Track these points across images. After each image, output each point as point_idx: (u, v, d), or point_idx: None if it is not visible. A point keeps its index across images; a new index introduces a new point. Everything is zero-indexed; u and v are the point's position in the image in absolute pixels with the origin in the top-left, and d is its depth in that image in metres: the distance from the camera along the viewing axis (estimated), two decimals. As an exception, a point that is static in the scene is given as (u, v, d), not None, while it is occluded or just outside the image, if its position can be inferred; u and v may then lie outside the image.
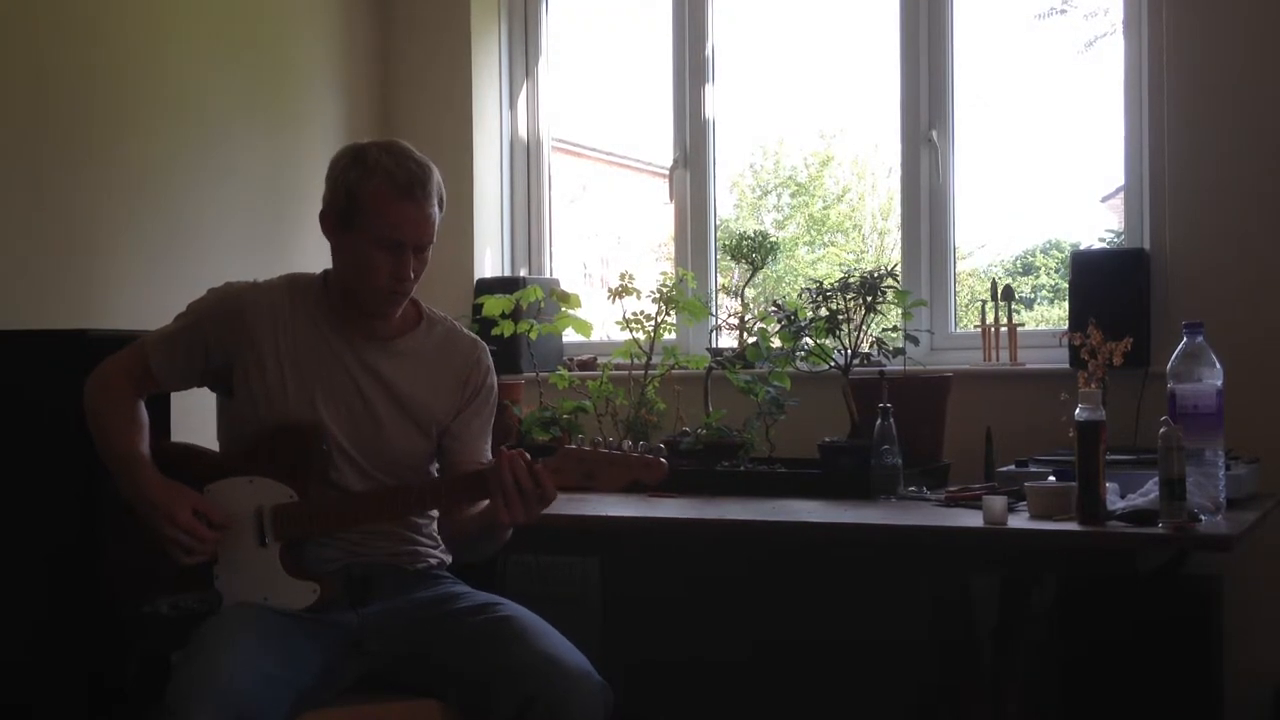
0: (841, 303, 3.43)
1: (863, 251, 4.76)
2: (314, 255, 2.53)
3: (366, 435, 2.50)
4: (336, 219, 2.46)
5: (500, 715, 2.29)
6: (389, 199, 2.40)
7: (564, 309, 3.77)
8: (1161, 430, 2.51)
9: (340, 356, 2.51)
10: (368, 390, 2.51)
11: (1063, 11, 3.93)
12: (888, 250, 4.57)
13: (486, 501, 2.43)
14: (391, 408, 2.52)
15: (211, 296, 2.56)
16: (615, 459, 2.38)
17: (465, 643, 2.40)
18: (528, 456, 2.35)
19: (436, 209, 2.46)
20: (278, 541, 2.43)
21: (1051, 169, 4.00)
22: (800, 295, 3.56)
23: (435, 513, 2.57)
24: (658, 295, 3.61)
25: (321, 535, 2.46)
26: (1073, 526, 2.56)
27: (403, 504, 2.46)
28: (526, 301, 3.79)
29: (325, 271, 2.56)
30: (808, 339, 3.48)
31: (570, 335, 3.92)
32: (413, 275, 2.46)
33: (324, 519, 2.44)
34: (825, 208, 4.88)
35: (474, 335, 2.68)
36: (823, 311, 3.44)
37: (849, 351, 3.42)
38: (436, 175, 2.47)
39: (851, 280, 3.44)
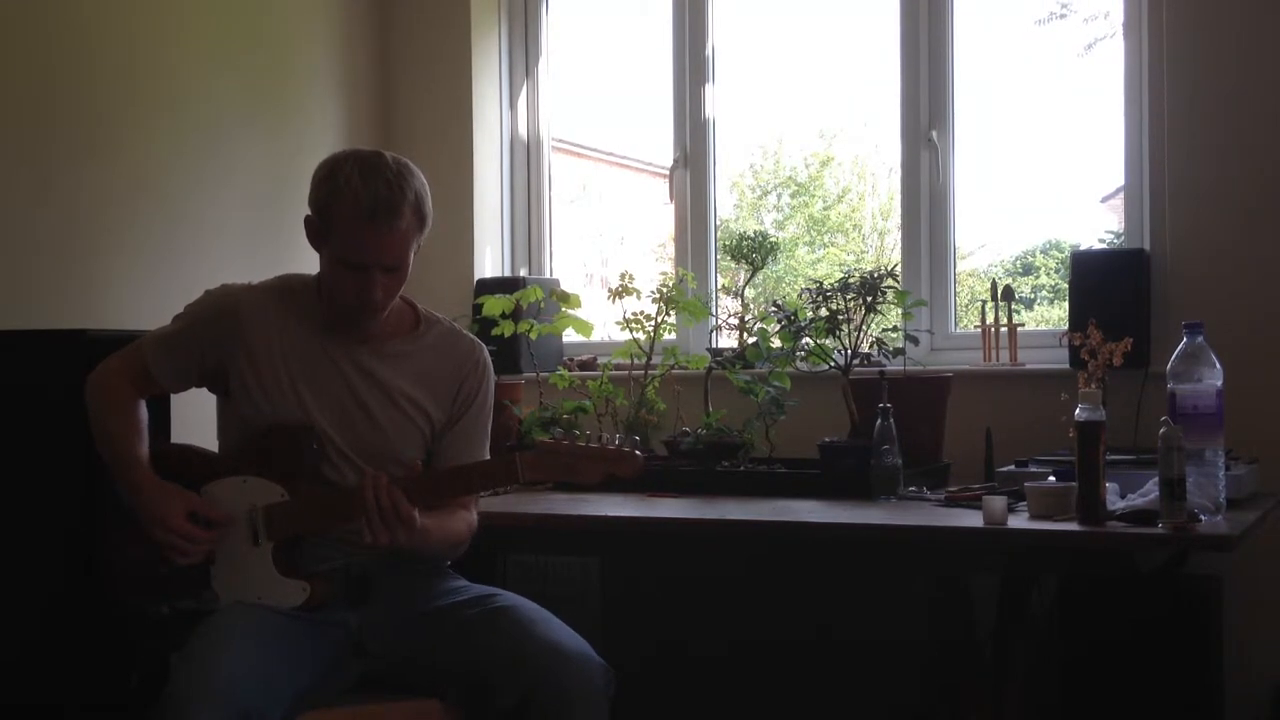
0: (841, 303, 3.43)
1: (863, 252, 4.75)
2: (313, 256, 2.52)
3: (362, 434, 2.50)
4: (314, 231, 2.46)
5: (503, 704, 2.30)
6: (354, 221, 2.37)
7: (564, 309, 3.77)
8: (1161, 430, 2.51)
9: (333, 358, 2.51)
10: (361, 390, 2.51)
11: (1062, 15, 3.93)
12: (888, 250, 4.57)
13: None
14: (387, 407, 2.52)
15: (206, 299, 2.56)
16: (591, 452, 2.38)
17: (465, 636, 2.40)
18: (384, 480, 2.34)
19: (410, 226, 2.40)
20: (270, 540, 2.43)
21: (1051, 169, 4.00)
22: (800, 295, 3.56)
23: None
24: (658, 295, 3.61)
25: (314, 533, 2.46)
26: (1073, 526, 2.56)
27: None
28: (526, 301, 3.79)
29: (319, 274, 2.56)
30: (808, 339, 3.48)
31: (570, 335, 3.92)
32: (381, 294, 2.42)
33: (314, 517, 2.44)
34: (825, 208, 4.87)
35: (473, 337, 2.68)
36: (823, 312, 3.44)
37: (849, 351, 3.42)
38: (412, 191, 2.39)
39: (851, 280, 3.44)
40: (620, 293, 3.63)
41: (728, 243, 3.87)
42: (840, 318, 3.42)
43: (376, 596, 2.49)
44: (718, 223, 4.24)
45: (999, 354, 3.63)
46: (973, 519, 2.71)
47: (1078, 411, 2.60)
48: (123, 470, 2.45)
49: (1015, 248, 4.27)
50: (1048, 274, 4.25)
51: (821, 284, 3.49)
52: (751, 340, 3.60)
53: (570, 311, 3.75)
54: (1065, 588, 3.19)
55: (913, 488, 3.06)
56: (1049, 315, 4.14)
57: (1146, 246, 3.53)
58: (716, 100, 4.19)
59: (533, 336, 3.81)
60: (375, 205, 2.36)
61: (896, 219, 4.00)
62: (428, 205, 2.44)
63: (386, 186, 2.37)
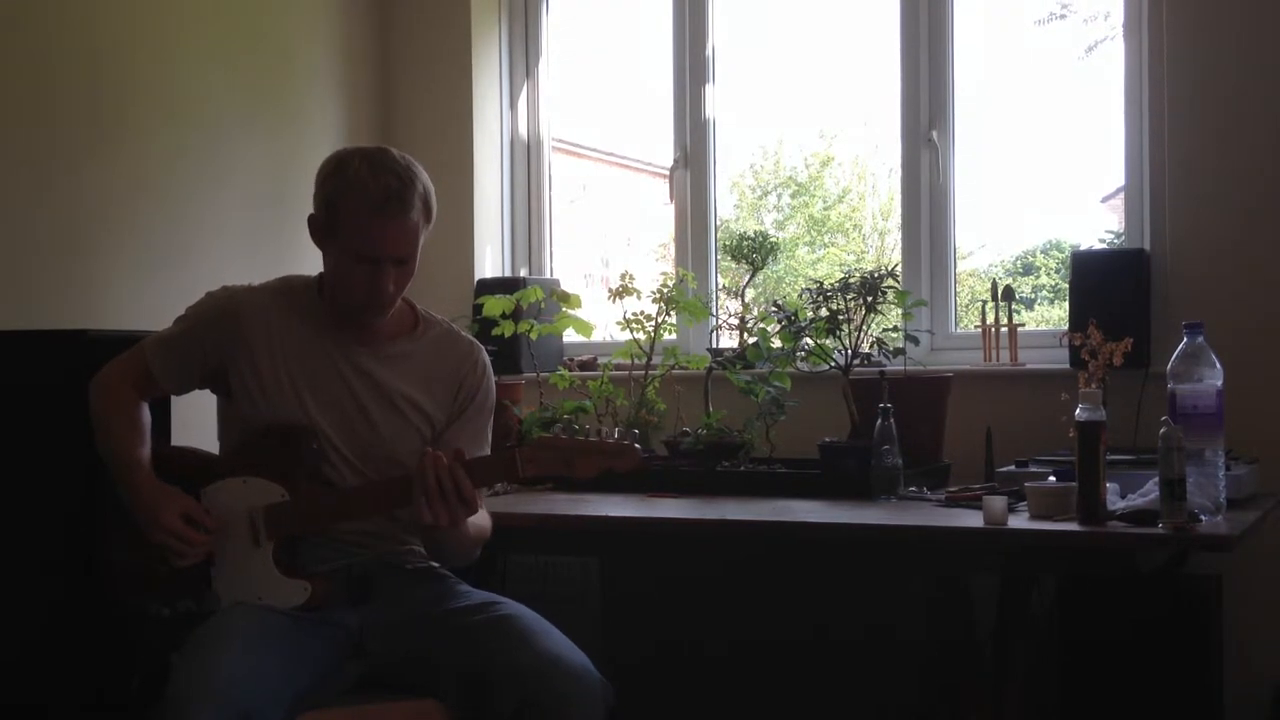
0: (842, 303, 3.43)
1: (863, 252, 4.75)
2: (313, 257, 2.53)
3: (360, 436, 2.50)
4: (320, 228, 2.47)
5: (500, 714, 2.30)
6: (365, 214, 2.37)
7: (564, 309, 3.77)
8: (1161, 430, 2.51)
9: (333, 359, 2.51)
10: (360, 392, 2.51)
11: (1063, 16, 3.93)
12: (888, 250, 4.57)
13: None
14: (385, 409, 2.52)
15: (207, 300, 2.57)
16: (589, 446, 2.38)
17: (465, 642, 2.40)
18: (445, 459, 2.34)
19: (419, 219, 2.41)
20: (270, 541, 2.44)
21: (1051, 169, 4.00)
22: (800, 295, 3.56)
23: None
24: (658, 295, 3.61)
25: (313, 533, 2.47)
26: (1073, 526, 2.56)
27: (388, 499, 2.45)
28: (527, 302, 3.79)
29: (320, 274, 2.56)
30: (808, 339, 3.48)
31: (571, 335, 3.92)
32: (392, 288, 2.43)
33: (313, 517, 2.45)
34: (826, 208, 4.87)
35: (471, 338, 2.68)
36: (823, 312, 3.44)
37: (849, 352, 3.42)
38: (420, 184, 2.41)
39: (852, 280, 3.44)
40: (620, 293, 3.64)
41: (728, 243, 3.87)
42: (840, 318, 3.42)
43: (377, 597, 2.49)
44: (718, 223, 4.24)
45: (999, 354, 3.63)
46: (973, 519, 2.71)
47: (1078, 411, 2.60)
48: (123, 472, 2.45)
49: (1015, 248, 4.28)
50: (1048, 274, 4.25)
51: (822, 284, 3.49)
52: (752, 340, 3.60)
53: (570, 312, 3.75)
54: (1065, 588, 3.19)
55: (913, 488, 3.06)
56: (1049, 315, 4.14)
57: (1146, 246, 3.53)
58: (716, 100, 4.19)
59: (533, 337, 3.81)
60: (387, 197, 2.37)
61: (896, 219, 4.00)
62: (434, 199, 2.46)
63: (397, 179, 2.38)
